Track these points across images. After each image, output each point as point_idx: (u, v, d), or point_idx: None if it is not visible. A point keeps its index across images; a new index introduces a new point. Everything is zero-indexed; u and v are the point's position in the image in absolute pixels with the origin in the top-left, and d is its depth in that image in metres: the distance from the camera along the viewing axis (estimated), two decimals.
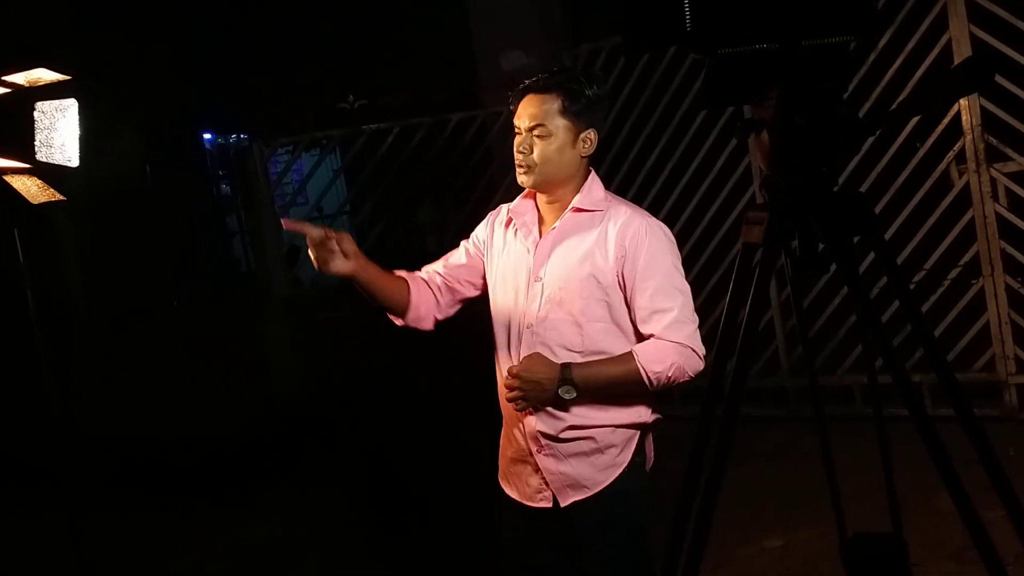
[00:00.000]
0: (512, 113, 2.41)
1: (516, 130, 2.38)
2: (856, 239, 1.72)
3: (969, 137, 5.09)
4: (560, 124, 2.32)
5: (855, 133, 1.64)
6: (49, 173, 3.43)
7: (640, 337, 2.35)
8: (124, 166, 8.68)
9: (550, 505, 2.40)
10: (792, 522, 4.16)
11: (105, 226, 8.23)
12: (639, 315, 2.32)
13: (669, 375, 2.28)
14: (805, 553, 3.87)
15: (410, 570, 4.33)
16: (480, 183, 6.67)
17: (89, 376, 7.19)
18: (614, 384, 2.33)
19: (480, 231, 2.57)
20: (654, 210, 5.40)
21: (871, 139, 5.38)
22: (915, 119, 5.20)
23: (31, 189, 3.40)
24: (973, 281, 5.25)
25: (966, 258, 5.24)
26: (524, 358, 2.35)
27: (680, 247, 2.42)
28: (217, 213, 11.73)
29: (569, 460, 2.37)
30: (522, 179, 2.37)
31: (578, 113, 2.32)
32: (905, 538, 1.91)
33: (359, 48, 9.97)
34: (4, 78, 3.33)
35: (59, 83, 3.41)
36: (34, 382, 3.52)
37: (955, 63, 4.91)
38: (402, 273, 2.55)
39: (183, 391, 6.84)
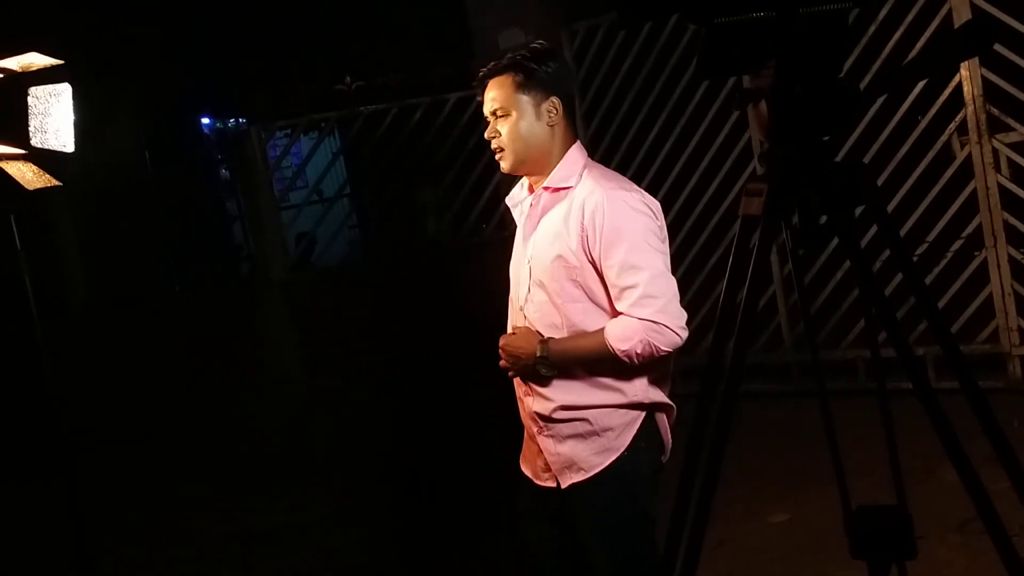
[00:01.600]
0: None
1: (486, 120, 2.38)
2: (858, 211, 1.70)
3: (971, 108, 5.05)
4: (518, 100, 2.32)
5: (855, 103, 1.61)
6: (45, 159, 3.41)
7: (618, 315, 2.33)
8: (122, 151, 8.67)
9: (554, 485, 2.41)
10: (797, 496, 4.16)
11: (104, 212, 8.23)
12: (612, 293, 2.28)
13: (638, 351, 2.22)
14: (810, 527, 3.86)
15: (420, 552, 4.33)
16: (479, 162, 6.64)
17: (88, 362, 7.18)
18: (587, 360, 2.30)
19: None
20: (654, 187, 5.36)
21: (873, 109, 5.28)
22: (916, 90, 5.16)
23: (27, 175, 3.38)
24: (976, 253, 5.22)
25: (969, 230, 5.22)
26: (513, 329, 2.40)
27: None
28: (216, 198, 11.70)
29: (567, 441, 2.36)
30: (501, 166, 2.38)
31: (533, 85, 2.32)
32: (910, 510, 1.90)
33: (355, 29, 9.92)
34: None
35: (52, 68, 3.38)
36: (32, 369, 3.51)
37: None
38: None
39: (186, 377, 6.85)
